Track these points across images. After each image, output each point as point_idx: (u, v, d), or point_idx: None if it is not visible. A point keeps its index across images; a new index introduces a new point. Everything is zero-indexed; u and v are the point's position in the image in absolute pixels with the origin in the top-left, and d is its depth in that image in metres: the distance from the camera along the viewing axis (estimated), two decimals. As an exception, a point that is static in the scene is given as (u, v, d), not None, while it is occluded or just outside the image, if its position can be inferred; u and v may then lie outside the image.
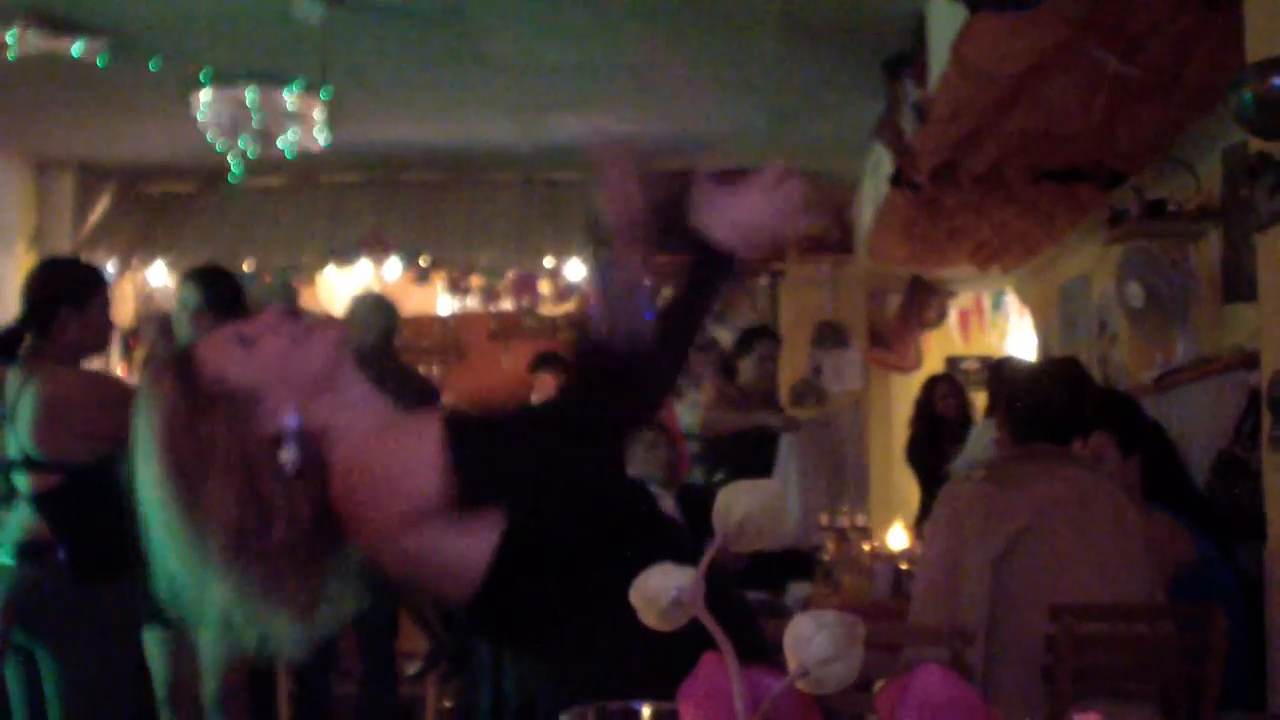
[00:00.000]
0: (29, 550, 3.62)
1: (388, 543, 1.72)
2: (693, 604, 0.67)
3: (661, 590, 0.68)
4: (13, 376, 3.70)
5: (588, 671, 1.65)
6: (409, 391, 4.65)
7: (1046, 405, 3.43)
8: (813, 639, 0.64)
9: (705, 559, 0.69)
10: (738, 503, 0.70)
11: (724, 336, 8.01)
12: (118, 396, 3.79)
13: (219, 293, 4.22)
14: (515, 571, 1.71)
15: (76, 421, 3.65)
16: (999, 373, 5.98)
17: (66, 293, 3.79)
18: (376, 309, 5.41)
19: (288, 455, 1.66)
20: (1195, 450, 4.67)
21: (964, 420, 7.29)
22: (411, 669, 6.50)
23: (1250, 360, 4.40)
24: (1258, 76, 2.99)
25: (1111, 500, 3.35)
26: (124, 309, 7.97)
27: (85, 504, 3.66)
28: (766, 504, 0.71)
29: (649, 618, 0.69)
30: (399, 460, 1.71)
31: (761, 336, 6.42)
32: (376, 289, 7.14)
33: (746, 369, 6.25)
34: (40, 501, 3.64)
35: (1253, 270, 3.64)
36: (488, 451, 1.72)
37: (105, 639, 3.66)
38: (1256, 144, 3.23)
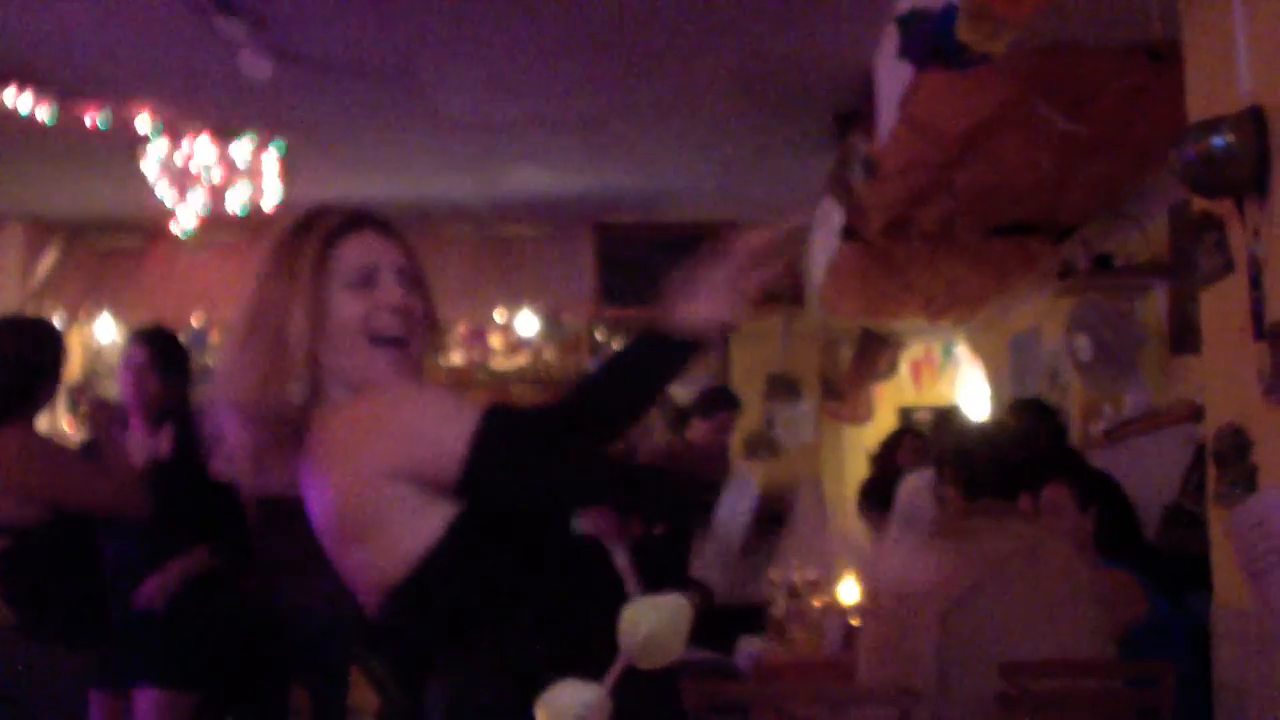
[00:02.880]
0: None
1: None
2: None
3: (567, 708, 0.66)
4: None
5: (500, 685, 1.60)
6: None
7: (995, 462, 3.44)
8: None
9: (610, 677, 0.67)
10: (644, 620, 0.69)
11: (677, 391, 7.98)
12: (64, 462, 3.74)
13: (164, 350, 4.19)
14: (462, 558, 1.61)
15: (22, 486, 3.58)
16: (945, 426, 5.98)
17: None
18: None
19: None
20: (1145, 502, 4.69)
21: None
22: (363, 729, 6.42)
23: (1197, 413, 4.42)
24: (1198, 136, 3.01)
25: (1060, 555, 3.36)
26: (71, 363, 7.88)
27: (34, 567, 3.60)
28: (671, 621, 0.70)
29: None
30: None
31: (725, 405, 6.31)
32: None
33: (701, 430, 6.19)
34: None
35: (1199, 324, 3.67)
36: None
37: (58, 701, 3.59)
38: (1200, 202, 3.25)
